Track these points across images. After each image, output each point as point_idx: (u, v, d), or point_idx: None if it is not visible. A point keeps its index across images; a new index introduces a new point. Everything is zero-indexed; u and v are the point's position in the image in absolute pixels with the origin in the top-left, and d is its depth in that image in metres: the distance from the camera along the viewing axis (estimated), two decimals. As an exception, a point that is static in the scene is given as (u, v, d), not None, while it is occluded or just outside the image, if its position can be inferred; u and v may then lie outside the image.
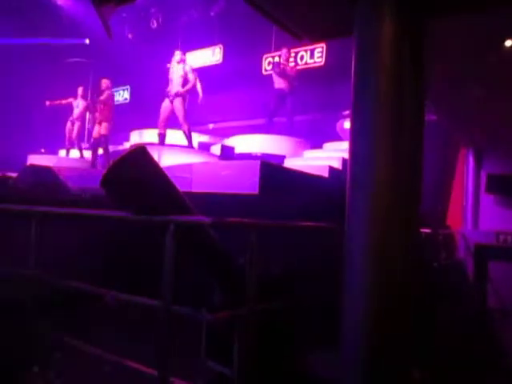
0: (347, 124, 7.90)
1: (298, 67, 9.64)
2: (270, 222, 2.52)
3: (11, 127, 11.50)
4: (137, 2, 10.72)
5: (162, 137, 7.47)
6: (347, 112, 8.70)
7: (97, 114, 8.42)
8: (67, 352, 2.81)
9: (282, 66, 8.07)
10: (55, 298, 3.00)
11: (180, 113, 7.38)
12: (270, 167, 4.34)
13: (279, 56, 8.46)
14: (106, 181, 2.22)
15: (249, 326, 2.26)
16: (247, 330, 2.32)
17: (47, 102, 9.97)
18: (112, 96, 8.55)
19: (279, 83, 7.97)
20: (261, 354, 2.50)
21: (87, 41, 12.42)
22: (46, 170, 5.39)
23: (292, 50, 9.94)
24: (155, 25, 12.62)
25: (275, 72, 8.06)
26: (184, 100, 7.44)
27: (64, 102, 9.84)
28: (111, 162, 2.34)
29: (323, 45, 9.43)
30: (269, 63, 10.26)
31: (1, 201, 3.33)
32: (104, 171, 2.22)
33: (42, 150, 10.92)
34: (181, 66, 7.53)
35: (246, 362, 2.40)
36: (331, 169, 5.40)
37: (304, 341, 2.85)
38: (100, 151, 8.28)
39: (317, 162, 5.96)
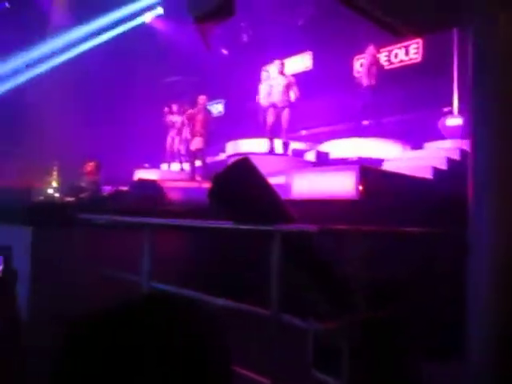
0: (450, 121, 7.39)
1: (393, 66, 9.28)
2: (377, 229, 2.41)
3: (117, 145, 12.53)
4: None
5: (272, 144, 7.65)
6: (448, 109, 8.16)
7: (193, 129, 8.83)
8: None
9: (367, 64, 7.81)
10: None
11: (286, 122, 7.49)
12: (370, 171, 4.21)
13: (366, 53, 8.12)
14: (213, 192, 2.29)
15: (357, 336, 2.17)
16: (356, 340, 2.23)
17: (166, 109, 10.67)
18: (207, 111, 8.93)
19: (364, 82, 7.74)
20: (370, 365, 2.38)
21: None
22: (152, 184, 5.77)
23: (386, 49, 9.60)
24: (246, 38, 13.01)
25: (360, 72, 7.84)
26: (290, 110, 7.58)
27: (168, 120, 10.54)
28: (216, 174, 2.41)
29: (419, 40, 8.95)
30: (360, 65, 10.00)
31: (116, 213, 3.60)
32: (207, 183, 2.29)
33: (146, 165, 11.72)
34: (282, 76, 7.65)
35: (355, 374, 2.31)
36: (435, 170, 5.08)
37: (416, 352, 2.68)
38: (198, 163, 8.68)
39: (418, 163, 5.64)
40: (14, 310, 2.23)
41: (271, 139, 7.63)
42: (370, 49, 7.93)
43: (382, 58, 9.80)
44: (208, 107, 9.35)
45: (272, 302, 2.06)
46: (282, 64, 7.76)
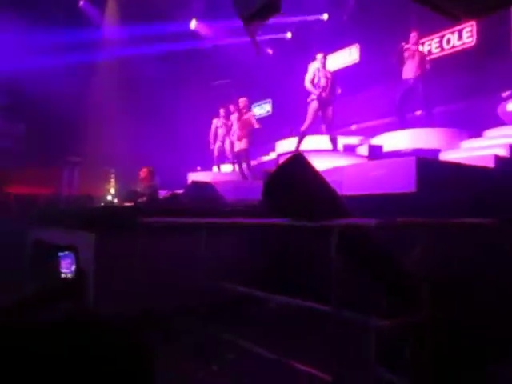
0: (510, 106, 7.01)
1: (445, 52, 8.90)
2: (437, 221, 2.32)
3: (171, 149, 12.89)
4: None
5: (302, 138, 7.55)
6: (508, 93, 7.71)
7: (237, 130, 8.96)
8: (239, 353, 2.97)
9: (407, 52, 7.41)
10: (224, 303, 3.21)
11: (330, 118, 7.39)
12: (427, 162, 4.06)
13: (406, 42, 7.57)
14: (267, 190, 2.30)
15: (422, 334, 2.11)
16: (420, 338, 2.16)
17: (215, 120, 10.84)
18: (249, 112, 9.00)
19: (406, 73, 7.39)
20: (437, 365, 2.30)
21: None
22: (206, 185, 5.88)
23: (437, 35, 9.23)
24: (290, 36, 12.98)
25: (399, 59, 7.44)
26: (334, 105, 7.47)
27: (217, 123, 10.72)
28: (269, 172, 2.42)
29: (473, 23, 8.53)
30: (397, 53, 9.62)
31: (174, 214, 3.71)
32: (258, 182, 2.30)
33: (198, 168, 11.97)
34: (325, 70, 7.54)
35: (419, 372, 2.24)
36: (497, 158, 4.82)
37: (482, 351, 2.55)
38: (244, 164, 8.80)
39: (478, 152, 5.38)
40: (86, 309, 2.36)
41: (302, 136, 7.50)
42: (412, 35, 7.51)
43: (433, 44, 9.43)
44: (251, 108, 9.43)
45: (332, 298, 2.04)
46: (325, 57, 7.62)
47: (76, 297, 2.33)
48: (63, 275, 2.33)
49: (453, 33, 9.07)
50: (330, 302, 2.05)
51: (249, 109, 9.11)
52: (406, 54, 7.38)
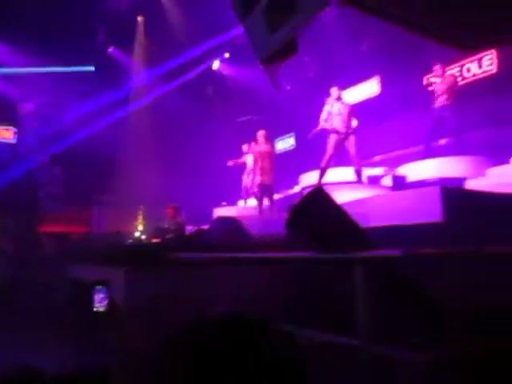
0: (537, 132, 6.90)
1: (466, 81, 8.90)
2: (465, 251, 2.30)
3: (197, 185, 13.14)
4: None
5: (323, 172, 7.59)
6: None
7: (259, 164, 8.96)
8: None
9: (434, 84, 7.52)
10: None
11: (353, 149, 7.41)
12: (452, 191, 4.02)
13: (433, 75, 7.77)
14: (290, 223, 2.34)
15: (462, 368, 2.05)
16: (459, 373, 2.10)
17: (230, 163, 11.09)
18: (269, 145, 9.07)
19: (435, 102, 7.45)
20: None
21: None
22: (232, 220, 5.94)
23: (457, 64, 9.28)
24: (312, 73, 13.25)
25: (430, 90, 7.55)
26: (356, 137, 7.51)
27: (240, 161, 10.89)
28: (292, 205, 2.47)
29: (492, 50, 8.56)
30: (430, 85, 9.71)
31: (200, 250, 3.77)
32: (282, 215, 2.34)
33: (224, 203, 12.11)
34: (339, 102, 7.63)
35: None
36: (525, 185, 4.73)
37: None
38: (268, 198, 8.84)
39: (505, 179, 5.29)
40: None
41: (323, 170, 7.53)
42: (437, 68, 7.65)
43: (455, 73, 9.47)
44: (272, 141, 9.53)
45: (360, 331, 2.02)
46: (339, 91, 7.75)
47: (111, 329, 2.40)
48: (95, 309, 2.41)
49: (473, 61, 9.10)
50: (357, 336, 2.03)
51: (268, 141, 9.10)
52: (433, 86, 7.51)
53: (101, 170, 12.83)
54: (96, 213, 13.59)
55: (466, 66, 9.24)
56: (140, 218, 12.57)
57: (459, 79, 9.15)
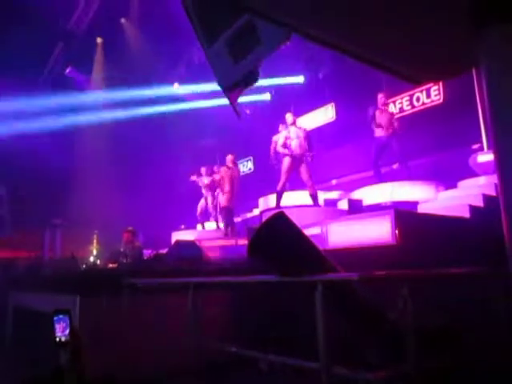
0: (481, 158, 7.33)
1: (416, 109, 9.39)
2: (418, 272, 2.40)
3: (154, 209, 12.96)
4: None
5: (280, 195, 7.71)
6: (478, 145, 8.11)
7: (223, 187, 9.10)
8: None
9: (376, 113, 7.83)
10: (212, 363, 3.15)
11: (307, 173, 7.55)
12: (405, 214, 4.20)
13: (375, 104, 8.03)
14: (252, 247, 2.37)
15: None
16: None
17: (193, 177, 11.06)
18: (234, 169, 9.22)
19: (378, 131, 7.77)
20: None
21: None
22: (190, 244, 5.90)
23: (407, 93, 9.77)
24: (269, 97, 13.56)
25: (373, 121, 7.84)
26: (310, 160, 7.67)
27: (201, 180, 10.90)
28: (253, 230, 2.50)
29: (439, 82, 9.10)
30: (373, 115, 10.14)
31: (159, 275, 3.71)
32: (242, 240, 2.37)
33: (182, 226, 11.98)
34: (294, 127, 7.82)
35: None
36: (472, 208, 5.01)
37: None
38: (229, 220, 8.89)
39: (454, 202, 5.57)
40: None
41: (279, 193, 7.67)
42: (379, 97, 7.97)
43: (404, 102, 9.96)
44: (238, 165, 9.69)
45: (320, 353, 2.06)
46: (294, 117, 7.97)
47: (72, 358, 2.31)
48: (57, 338, 2.31)
49: (421, 91, 9.63)
50: (317, 358, 2.06)
51: (235, 165, 9.34)
52: (377, 114, 7.79)
53: (53, 191, 12.42)
54: (48, 237, 13.05)
55: (416, 95, 9.76)
56: (95, 242, 12.18)
57: (409, 107, 9.64)
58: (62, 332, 2.26)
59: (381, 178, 7.72)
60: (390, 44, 2.19)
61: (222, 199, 8.98)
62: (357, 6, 1.52)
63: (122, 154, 13.25)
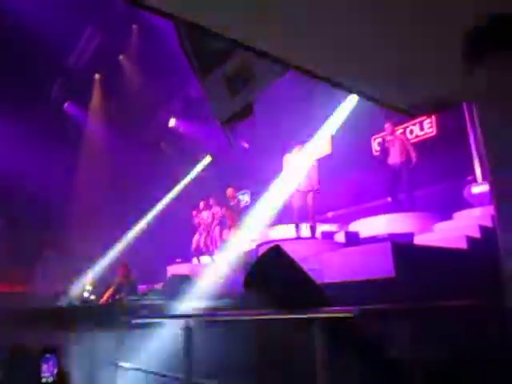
0: (475, 189, 7.37)
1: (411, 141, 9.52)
2: (417, 306, 2.36)
3: (149, 242, 12.86)
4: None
5: (299, 228, 7.68)
6: (471, 177, 8.17)
7: (227, 221, 9.09)
8: None
9: (387, 143, 7.96)
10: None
11: (312, 207, 7.57)
12: (402, 246, 4.17)
13: (385, 133, 8.24)
14: (248, 282, 2.33)
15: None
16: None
17: (194, 212, 11.04)
18: (236, 202, 9.22)
19: (391, 159, 7.88)
20: None
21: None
22: (186, 278, 5.81)
23: (401, 126, 9.91)
24: (265, 133, 13.70)
25: (383, 149, 7.96)
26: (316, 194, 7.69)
27: (201, 216, 10.89)
28: (249, 264, 2.47)
29: (432, 115, 9.26)
30: (378, 144, 10.27)
31: (152, 312, 3.64)
32: (241, 274, 2.34)
33: (178, 260, 11.85)
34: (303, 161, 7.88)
35: None
36: (469, 238, 5.00)
37: None
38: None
39: (450, 233, 5.56)
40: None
41: (297, 224, 7.66)
42: (387, 127, 8.12)
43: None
44: (238, 197, 9.73)
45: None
46: (302, 149, 8.03)
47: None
48: (44, 379, 2.22)
49: (415, 124, 9.78)
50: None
51: (234, 198, 9.31)
52: (387, 145, 7.91)
53: (44, 223, 12.35)
54: (37, 270, 12.82)
55: (409, 128, 9.91)
56: (89, 277, 11.98)
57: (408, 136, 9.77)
58: (48, 372, 2.18)
59: (399, 205, 7.72)
60: (381, 78, 2.23)
61: (228, 233, 8.92)
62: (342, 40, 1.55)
63: (116, 186, 13.25)
